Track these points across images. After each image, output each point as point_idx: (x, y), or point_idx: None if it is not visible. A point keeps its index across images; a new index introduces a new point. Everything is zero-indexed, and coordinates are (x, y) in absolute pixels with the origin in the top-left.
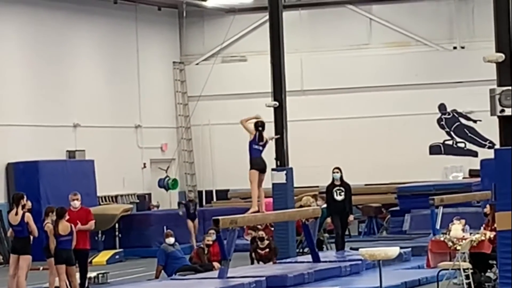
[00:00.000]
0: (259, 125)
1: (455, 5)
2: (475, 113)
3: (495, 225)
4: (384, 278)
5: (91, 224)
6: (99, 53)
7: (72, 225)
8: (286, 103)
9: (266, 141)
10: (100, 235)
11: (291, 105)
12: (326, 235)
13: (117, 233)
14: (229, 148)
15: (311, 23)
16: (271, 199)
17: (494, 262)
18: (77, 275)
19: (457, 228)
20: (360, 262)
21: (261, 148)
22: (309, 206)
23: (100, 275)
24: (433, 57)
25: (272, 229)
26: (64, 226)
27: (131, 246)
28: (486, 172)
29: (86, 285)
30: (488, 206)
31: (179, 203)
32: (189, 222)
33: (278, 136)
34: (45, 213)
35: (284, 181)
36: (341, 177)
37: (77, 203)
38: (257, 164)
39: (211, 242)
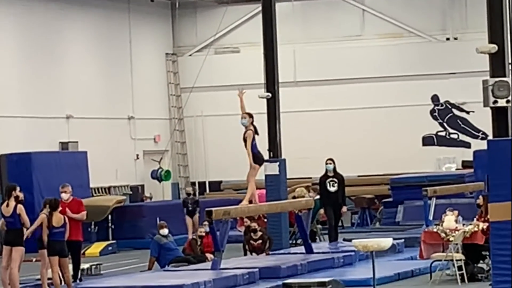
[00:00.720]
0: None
1: None
2: (468, 104)
3: (488, 216)
4: (377, 269)
5: (82, 215)
6: (92, 44)
7: (65, 217)
8: (279, 95)
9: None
10: (93, 227)
11: (284, 97)
12: (319, 226)
13: (110, 224)
14: (222, 140)
15: (304, 15)
16: (264, 191)
17: (487, 253)
18: (70, 266)
19: (450, 219)
20: (353, 253)
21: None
22: (302, 197)
23: (93, 267)
24: (426, 49)
25: (265, 220)
26: (58, 218)
27: (124, 237)
28: (479, 163)
29: (79, 276)
30: (480, 197)
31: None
32: (187, 219)
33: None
34: (43, 204)
35: (277, 173)
36: (334, 168)
37: (65, 196)
38: (260, 159)
39: (204, 234)
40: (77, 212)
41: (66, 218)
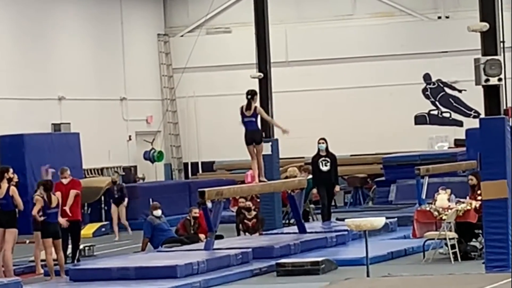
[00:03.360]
0: (248, 94)
1: None
2: (460, 83)
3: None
4: (370, 248)
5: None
6: (83, 25)
7: (59, 198)
8: (271, 75)
9: (255, 111)
10: (86, 208)
11: (276, 76)
12: (312, 206)
13: (103, 205)
14: (214, 120)
15: None
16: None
17: (480, 231)
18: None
19: (442, 198)
20: (346, 232)
21: (250, 119)
22: (295, 177)
23: (86, 248)
24: (418, 27)
25: (259, 200)
26: (53, 199)
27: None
28: (471, 141)
29: (77, 256)
30: (470, 176)
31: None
32: (113, 207)
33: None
34: (37, 186)
35: (270, 153)
36: (327, 148)
37: (65, 181)
38: (245, 137)
39: (197, 214)
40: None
41: (59, 199)
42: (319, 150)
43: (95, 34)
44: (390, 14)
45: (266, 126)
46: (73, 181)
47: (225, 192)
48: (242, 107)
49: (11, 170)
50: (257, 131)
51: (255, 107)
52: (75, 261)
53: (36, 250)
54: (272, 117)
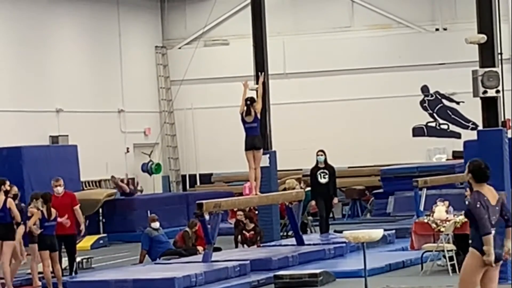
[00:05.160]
0: (248, 100)
1: None
2: (458, 95)
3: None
4: (368, 260)
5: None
6: (81, 37)
7: (56, 211)
8: (269, 87)
9: (256, 115)
10: (83, 220)
11: (274, 89)
12: (310, 218)
13: (100, 218)
14: (212, 132)
15: (293, 6)
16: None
17: None
18: (64, 260)
19: (440, 210)
20: (344, 244)
21: (251, 125)
22: (293, 189)
23: (84, 260)
24: (416, 39)
25: (257, 212)
26: (50, 212)
27: (115, 231)
28: (469, 153)
29: (74, 269)
30: (468, 189)
31: None
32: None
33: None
34: (30, 198)
35: (268, 165)
36: (325, 160)
37: (60, 189)
38: (245, 143)
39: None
40: (71, 205)
41: (57, 212)
42: (317, 162)
43: (92, 46)
44: (388, 26)
45: (264, 138)
46: (66, 194)
47: (223, 204)
48: (242, 114)
49: (7, 183)
50: (258, 137)
51: (255, 112)
52: (73, 274)
53: (33, 263)
54: (270, 129)
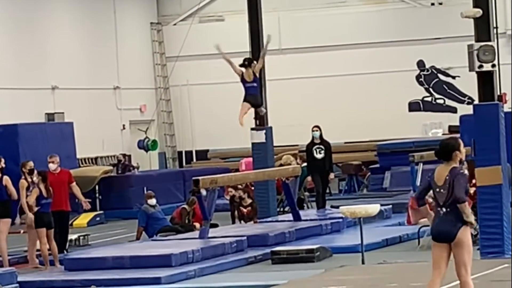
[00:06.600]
0: (245, 61)
1: None
2: (454, 69)
3: (475, 181)
4: (365, 236)
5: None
6: (76, 14)
7: (52, 189)
8: (264, 63)
9: (255, 74)
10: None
11: (269, 64)
12: (307, 193)
13: (97, 195)
14: (208, 108)
15: None
16: (250, 159)
17: (474, 217)
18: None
19: None
20: (341, 220)
21: (252, 84)
22: (289, 164)
23: (81, 237)
24: (411, 14)
25: (253, 188)
26: (47, 189)
27: (111, 208)
28: (465, 128)
29: (67, 247)
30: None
31: None
32: None
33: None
34: (21, 166)
35: (264, 141)
36: (321, 135)
37: (52, 166)
38: (247, 98)
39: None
40: (67, 182)
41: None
42: (313, 137)
43: (88, 23)
44: (384, 1)
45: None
46: (63, 171)
47: (219, 180)
48: (242, 74)
49: (3, 160)
50: (259, 96)
51: (254, 73)
52: (65, 252)
53: (30, 242)
54: (266, 105)
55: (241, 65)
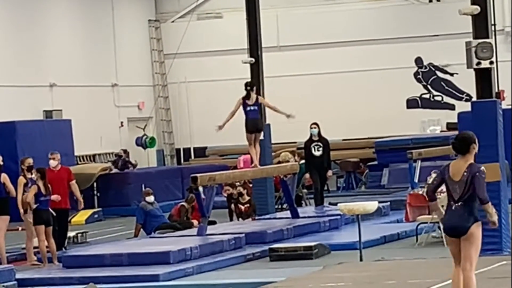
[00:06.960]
0: (248, 85)
1: None
2: (452, 66)
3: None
4: (363, 233)
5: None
6: (74, 11)
7: (51, 186)
8: (263, 60)
9: (257, 100)
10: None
11: (268, 62)
12: (305, 190)
13: (95, 192)
14: (206, 105)
15: None
16: (249, 156)
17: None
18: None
19: None
20: (339, 217)
21: (254, 108)
22: (287, 162)
23: (79, 235)
24: (409, 11)
25: (251, 185)
26: (46, 187)
27: (109, 205)
28: (463, 125)
29: (65, 244)
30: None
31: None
32: None
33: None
34: (20, 163)
35: (262, 138)
36: (319, 133)
37: (53, 163)
38: (248, 126)
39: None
40: (67, 180)
41: (50, 187)
42: (311, 135)
43: (86, 20)
44: None
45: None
46: (63, 168)
47: (218, 178)
48: (243, 98)
49: (0, 158)
50: (260, 120)
51: (257, 98)
52: (63, 249)
53: (28, 239)
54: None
55: (245, 89)
